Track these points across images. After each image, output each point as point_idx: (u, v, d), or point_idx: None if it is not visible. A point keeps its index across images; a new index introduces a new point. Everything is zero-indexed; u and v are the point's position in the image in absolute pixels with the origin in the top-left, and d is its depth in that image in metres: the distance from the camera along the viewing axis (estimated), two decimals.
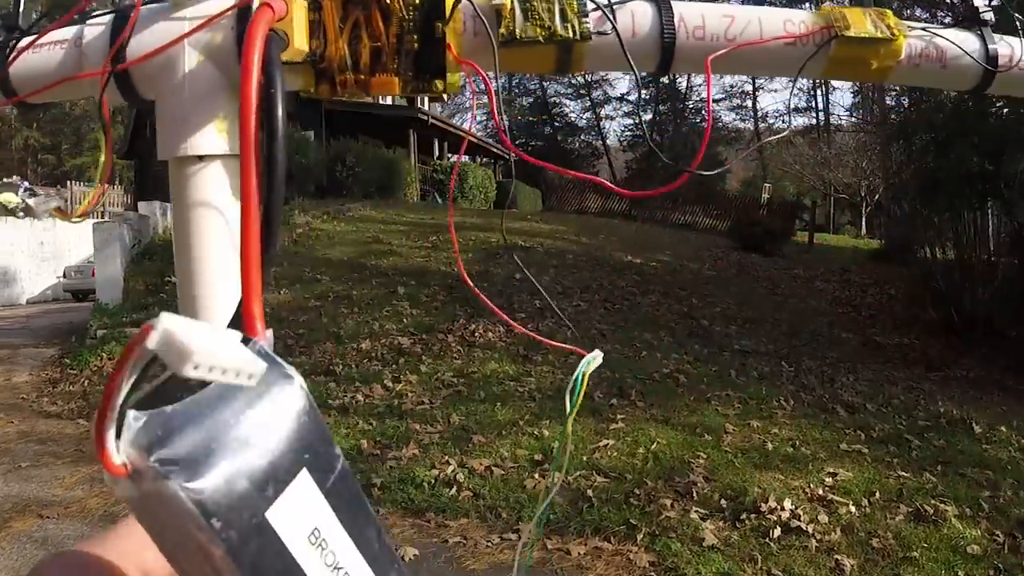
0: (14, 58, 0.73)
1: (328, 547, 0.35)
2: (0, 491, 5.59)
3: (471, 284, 0.98)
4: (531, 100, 54.71)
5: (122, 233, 12.74)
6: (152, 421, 0.31)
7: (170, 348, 0.30)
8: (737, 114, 53.10)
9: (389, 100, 26.74)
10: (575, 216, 23.97)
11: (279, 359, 0.37)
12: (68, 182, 23.45)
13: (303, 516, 0.34)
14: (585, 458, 5.54)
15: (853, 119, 44.74)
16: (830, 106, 49.44)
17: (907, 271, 14.21)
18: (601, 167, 51.92)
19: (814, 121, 49.50)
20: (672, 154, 47.75)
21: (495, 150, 32.78)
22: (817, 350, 10.02)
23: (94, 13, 0.73)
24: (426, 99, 29.89)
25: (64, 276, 19.15)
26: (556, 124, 54.16)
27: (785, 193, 37.72)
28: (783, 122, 50.84)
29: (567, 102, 54.78)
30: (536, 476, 5.27)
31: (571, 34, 0.69)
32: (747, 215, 21.58)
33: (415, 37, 0.66)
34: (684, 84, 51.96)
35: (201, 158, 0.65)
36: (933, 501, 5.06)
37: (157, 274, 11.91)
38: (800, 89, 51.05)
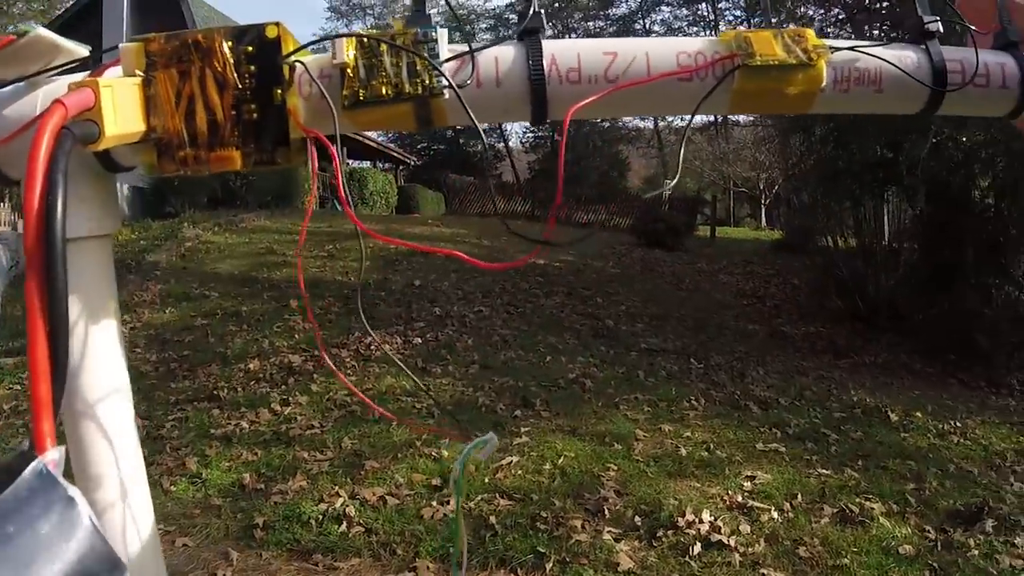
0: None
1: None
2: None
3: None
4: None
5: None
6: None
7: None
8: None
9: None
10: (477, 219, 23.77)
11: (62, 481, 0.35)
12: None
13: None
14: (487, 479, 5.16)
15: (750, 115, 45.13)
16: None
17: (810, 261, 14.19)
18: (504, 169, 51.89)
19: (712, 118, 49.90)
20: (575, 153, 47.91)
21: (396, 154, 32.58)
22: (725, 344, 9.82)
23: None
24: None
25: None
26: (458, 128, 53.52)
27: (686, 189, 38.05)
28: (682, 120, 51.11)
29: None
30: (434, 504, 4.83)
31: (419, 90, 0.64)
32: (648, 212, 21.54)
33: (253, 107, 0.61)
34: None
35: (68, 241, 0.54)
36: (858, 499, 4.81)
37: None
38: None
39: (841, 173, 11.91)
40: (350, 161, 29.80)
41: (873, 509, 4.66)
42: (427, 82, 0.64)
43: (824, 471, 5.28)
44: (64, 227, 0.44)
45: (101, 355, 0.64)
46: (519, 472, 5.25)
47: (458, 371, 7.55)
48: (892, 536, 4.37)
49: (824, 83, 0.67)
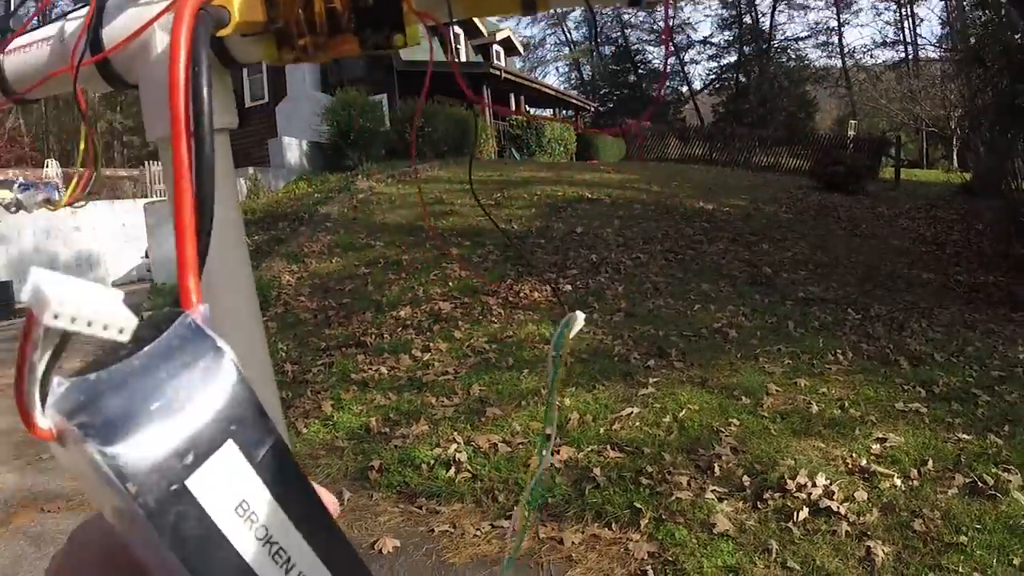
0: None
1: (259, 520, 0.35)
2: (15, 483, 5.37)
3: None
4: (613, 49, 53.95)
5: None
6: (75, 387, 0.32)
7: (35, 299, 0.31)
8: (824, 51, 51.48)
9: (463, 57, 26.64)
10: (654, 164, 23.48)
11: (211, 332, 0.36)
12: (147, 162, 23.49)
13: (229, 487, 0.34)
14: (602, 430, 5.07)
15: (941, 49, 43.06)
16: (918, 38, 47.67)
17: (994, 205, 13.38)
18: (688, 112, 51.32)
19: (902, 55, 47.93)
20: (760, 95, 47.02)
21: (575, 102, 32.58)
22: (892, 294, 9.37)
23: (75, 7, 0.74)
24: (502, 53, 29.80)
25: (146, 256, 19.11)
26: (640, 71, 53.24)
27: (876, 130, 36.72)
28: (871, 57, 49.46)
29: (650, 48, 53.77)
30: (544, 452, 4.77)
31: None
32: (828, 154, 20.81)
33: None
34: (767, 23, 50.70)
35: None
36: (995, 469, 4.47)
37: None
38: (887, 23, 49.57)
39: (1018, 109, 11.22)
40: (529, 108, 29.93)
41: (1010, 482, 4.32)
42: None
43: (965, 436, 4.94)
44: (211, 97, 0.46)
45: (227, 248, 0.66)
46: (637, 424, 5.14)
47: (602, 319, 7.45)
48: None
49: None
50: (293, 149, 19.64)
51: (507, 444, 5.00)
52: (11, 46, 0.77)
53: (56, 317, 0.31)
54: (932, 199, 17.99)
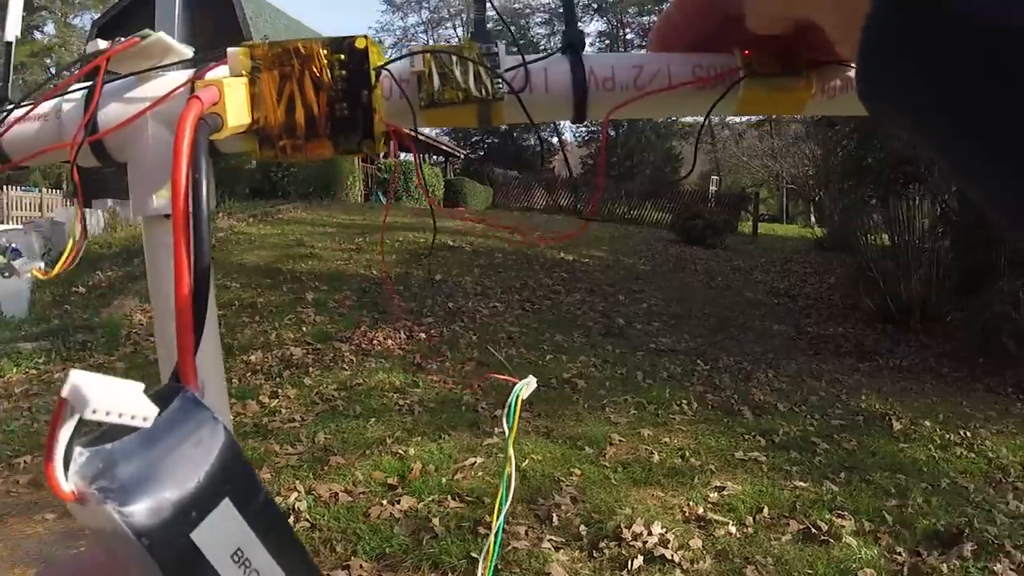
0: (5, 130, 0.81)
1: (251, 565, 0.40)
2: None
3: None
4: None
5: (30, 241, 12.07)
6: (94, 456, 0.36)
7: (74, 397, 0.34)
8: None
9: None
10: (519, 213, 23.63)
11: (207, 405, 0.41)
12: (4, 187, 22.88)
13: (226, 538, 0.39)
14: (444, 480, 4.99)
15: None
16: None
17: (845, 259, 13.80)
18: (558, 163, 51.77)
19: (765, 116, 49.20)
20: (627, 149, 47.69)
21: (446, 148, 32.68)
22: (742, 345, 9.56)
23: (70, 89, 0.79)
24: None
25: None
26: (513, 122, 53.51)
27: (740, 186, 37.66)
28: (736, 117, 50.71)
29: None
30: (384, 503, 4.71)
31: (484, 94, 0.72)
32: (688, 208, 21.25)
33: (344, 105, 0.70)
34: None
35: (167, 216, 0.71)
36: (829, 515, 4.56)
37: (66, 284, 11.29)
38: None
39: (865, 168, 11.60)
40: (400, 154, 29.80)
41: (843, 527, 4.40)
42: (489, 88, 0.72)
43: (801, 483, 5.03)
44: (209, 196, 0.49)
45: (207, 325, 0.60)
46: (479, 474, 5.08)
47: (453, 368, 7.40)
48: (856, 558, 4.11)
49: (813, 91, 0.73)
50: None
51: (348, 493, 4.87)
52: (9, 119, 0.81)
53: (94, 412, 0.35)
54: (788, 253, 18.43)
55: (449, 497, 4.77)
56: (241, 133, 0.68)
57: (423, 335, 8.55)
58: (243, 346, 8.30)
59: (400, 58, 0.74)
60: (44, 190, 25.57)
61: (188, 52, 0.76)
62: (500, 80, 0.72)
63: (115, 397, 0.36)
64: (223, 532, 0.39)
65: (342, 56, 0.70)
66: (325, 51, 0.70)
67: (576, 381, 7.07)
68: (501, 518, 0.86)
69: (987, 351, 9.60)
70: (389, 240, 13.87)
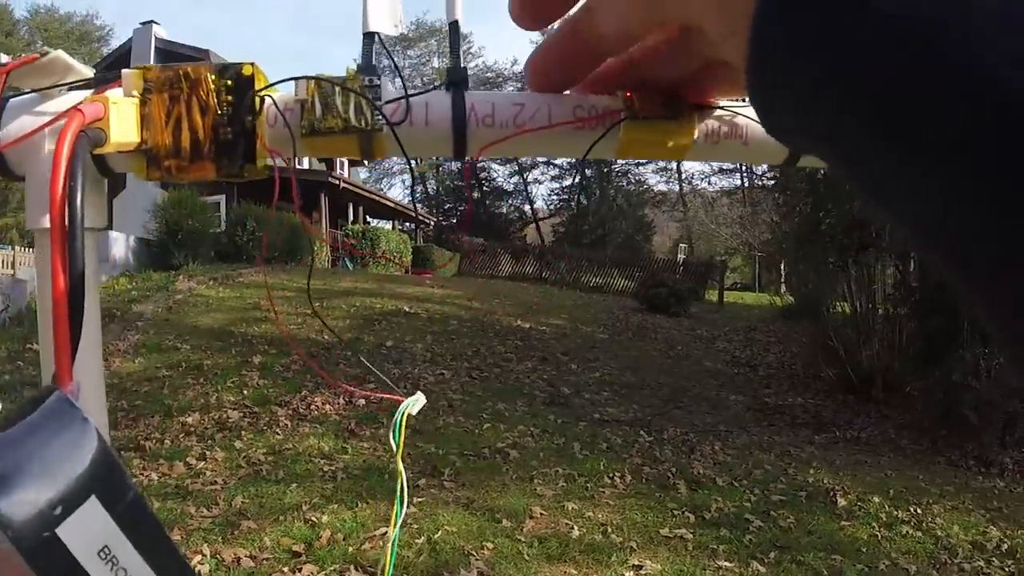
0: None
1: (119, 563, 0.41)
2: None
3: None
4: (459, 165, 54.38)
5: None
6: None
7: None
8: (663, 175, 53.04)
9: (305, 164, 26.67)
10: (484, 280, 23.49)
11: (78, 406, 0.42)
12: None
13: (92, 534, 0.40)
14: (351, 549, 4.74)
15: (769, 177, 45.07)
16: (754, 167, 49.68)
17: (810, 328, 13.61)
18: (529, 231, 51.99)
19: (738, 182, 49.72)
20: (599, 217, 47.99)
21: (414, 215, 32.86)
22: (693, 416, 9.28)
23: None
24: (346, 163, 29.90)
25: None
26: (484, 188, 53.89)
27: (714, 254, 37.77)
28: (708, 184, 51.24)
29: (495, 166, 54.52)
30: (286, 570, 4.51)
31: (364, 126, 0.72)
32: (654, 276, 21.15)
33: (229, 129, 0.70)
34: None
35: None
36: None
37: (21, 340, 11.26)
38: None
39: (819, 234, 11.51)
40: (369, 219, 30.12)
41: None
42: (370, 120, 0.72)
43: (726, 563, 4.73)
44: (83, 208, 0.50)
45: (87, 332, 0.57)
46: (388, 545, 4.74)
47: (387, 435, 7.07)
48: None
49: (696, 136, 0.73)
50: (119, 244, 19.42)
51: (252, 559, 4.68)
52: None
53: None
54: (753, 322, 18.31)
55: (352, 567, 4.55)
56: (131, 152, 0.70)
57: (362, 401, 8.28)
58: (182, 407, 8.16)
59: (282, 81, 0.75)
60: (18, 248, 25.28)
61: (89, 72, 0.75)
62: (379, 114, 0.73)
63: None
64: (89, 529, 0.39)
65: (229, 82, 0.71)
66: (213, 76, 0.71)
67: (509, 451, 6.78)
68: (396, 530, 0.80)
69: (948, 422, 9.42)
70: (345, 305, 13.76)
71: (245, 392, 8.56)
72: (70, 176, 0.51)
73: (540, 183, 62.84)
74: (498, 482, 6.00)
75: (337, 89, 0.72)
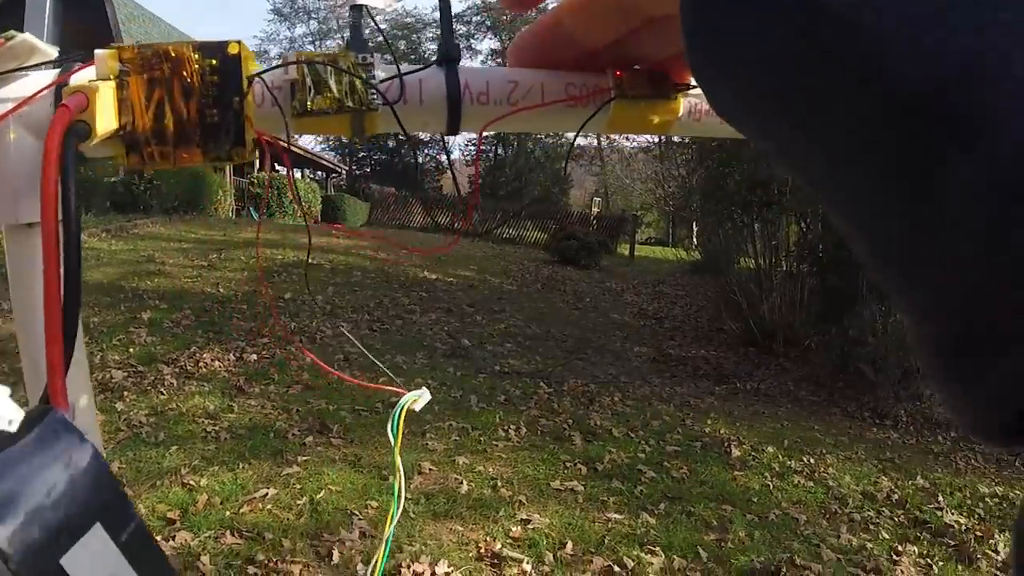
0: None
1: None
2: None
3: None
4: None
5: None
6: None
7: None
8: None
9: None
10: (394, 230, 23.27)
11: (77, 427, 0.40)
12: None
13: (97, 565, 0.37)
14: (228, 513, 4.54)
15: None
16: None
17: (716, 282, 13.73)
18: (445, 182, 51.69)
19: (656, 139, 49.89)
20: (515, 169, 47.79)
21: (327, 163, 32.40)
22: (596, 367, 9.24)
23: None
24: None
25: None
26: (400, 138, 53.21)
27: (630, 209, 37.97)
28: (626, 139, 51.31)
29: None
30: (159, 538, 4.21)
31: (357, 104, 0.71)
32: (564, 229, 21.15)
33: (215, 111, 0.67)
34: None
35: (30, 225, 0.69)
36: (637, 551, 4.22)
37: None
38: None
39: (725, 190, 11.57)
40: (279, 168, 29.53)
41: (651, 564, 4.07)
42: (363, 98, 0.70)
43: (616, 515, 4.69)
44: (78, 210, 0.49)
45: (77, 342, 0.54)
46: (268, 507, 4.63)
47: (277, 391, 6.93)
48: None
49: (680, 113, 0.76)
50: None
51: None
52: None
53: None
54: (663, 276, 18.41)
55: (228, 532, 4.33)
56: (107, 139, 0.64)
57: (254, 356, 8.07)
58: None
59: (274, 68, 0.71)
60: None
61: (53, 52, 0.71)
62: (374, 90, 0.72)
63: None
64: (94, 559, 0.37)
65: (214, 61, 0.67)
66: (197, 55, 0.67)
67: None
68: (391, 528, 0.82)
69: (845, 375, 9.60)
70: (244, 257, 13.37)
71: (131, 350, 8.19)
72: (63, 177, 0.50)
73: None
74: (388, 438, 5.88)
75: (329, 68, 0.71)
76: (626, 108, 0.73)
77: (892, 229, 0.28)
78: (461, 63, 0.76)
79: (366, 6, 0.77)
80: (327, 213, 26.87)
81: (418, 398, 0.79)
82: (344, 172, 37.04)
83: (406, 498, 4.79)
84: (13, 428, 0.37)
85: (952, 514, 5.55)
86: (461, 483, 5.01)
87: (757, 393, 9.22)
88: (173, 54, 0.65)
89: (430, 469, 5.25)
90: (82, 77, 0.65)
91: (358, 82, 0.70)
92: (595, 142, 50.95)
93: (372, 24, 0.79)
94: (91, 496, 0.37)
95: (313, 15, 56.84)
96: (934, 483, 6.24)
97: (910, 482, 6.15)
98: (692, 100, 0.76)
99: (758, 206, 11.61)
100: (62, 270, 0.46)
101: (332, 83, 0.70)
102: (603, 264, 19.26)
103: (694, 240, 33.31)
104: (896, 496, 5.79)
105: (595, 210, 31.22)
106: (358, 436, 5.87)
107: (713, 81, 0.36)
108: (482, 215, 26.80)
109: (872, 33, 0.26)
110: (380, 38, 0.83)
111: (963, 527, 5.32)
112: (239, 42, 0.67)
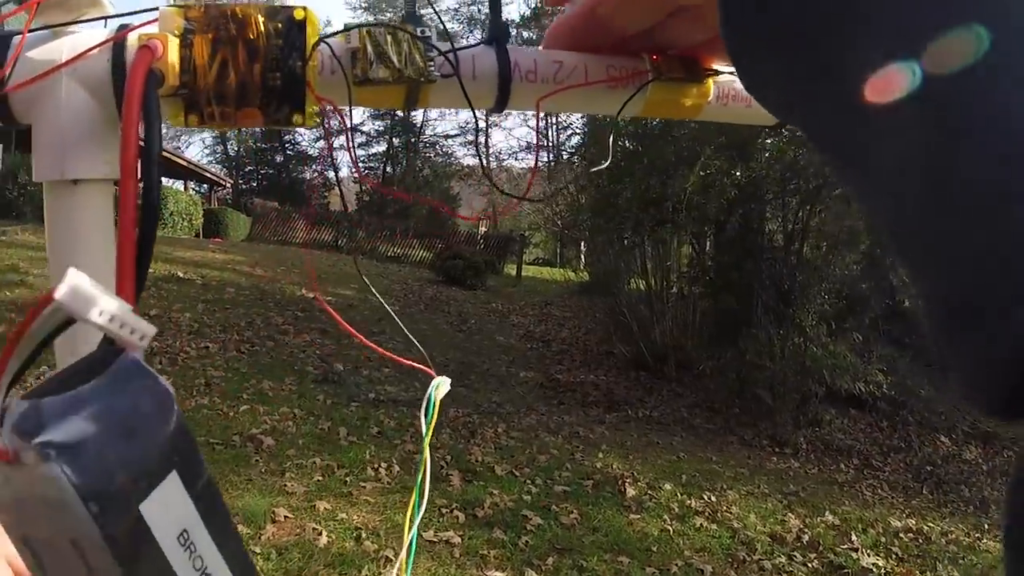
0: None
1: (196, 551, 0.37)
2: None
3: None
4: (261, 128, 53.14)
5: None
6: (35, 407, 0.32)
7: (77, 296, 0.32)
8: (469, 149, 52.89)
9: None
10: (275, 246, 22.54)
11: (153, 371, 0.38)
12: None
13: (173, 516, 0.36)
14: None
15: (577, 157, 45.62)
16: (560, 147, 50.04)
17: (604, 303, 13.35)
18: (332, 198, 51.15)
19: (545, 158, 50.04)
20: (404, 186, 47.58)
21: (211, 176, 31.96)
22: (479, 394, 8.70)
23: None
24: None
25: None
26: (288, 152, 52.48)
27: (519, 229, 37.89)
28: (516, 159, 51.43)
29: (300, 130, 53.03)
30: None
31: (418, 76, 0.70)
32: (448, 248, 20.86)
33: (278, 75, 0.66)
34: (419, 118, 51.47)
35: (76, 182, 0.65)
36: None
37: None
38: (531, 128, 51.95)
39: (617, 208, 11.28)
40: (162, 180, 28.96)
41: None
42: (422, 70, 0.70)
43: (497, 573, 4.07)
44: (160, 148, 0.48)
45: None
46: None
47: None
48: None
49: (710, 97, 0.78)
50: None
51: None
52: None
53: (100, 314, 0.33)
54: (550, 296, 18.12)
55: None
56: (167, 97, 0.63)
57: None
58: None
59: (337, 33, 0.71)
60: None
61: (111, 7, 0.68)
62: (432, 63, 0.71)
63: (117, 304, 0.34)
64: (171, 508, 0.35)
65: (279, 25, 0.67)
66: (263, 18, 0.67)
67: (263, 438, 5.95)
68: (415, 529, 0.72)
69: (742, 401, 9.42)
70: None
71: None
72: (147, 112, 0.48)
73: (344, 148, 62.37)
74: (244, 477, 5.18)
75: (389, 38, 0.70)
76: (663, 90, 0.75)
77: (915, 203, 0.29)
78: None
79: None
80: (209, 227, 26.02)
81: (442, 384, 0.72)
82: (229, 186, 36.21)
83: (255, 552, 4.12)
84: (145, 344, 0.35)
85: (868, 555, 5.17)
86: (320, 534, 4.35)
87: (650, 421, 8.82)
88: (240, 15, 0.64)
89: (286, 517, 4.57)
90: (146, 31, 0.63)
91: (417, 54, 0.70)
92: (483, 161, 50.93)
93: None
94: (168, 443, 0.35)
95: (390, 6, 55.40)
96: (844, 519, 5.87)
97: (819, 519, 5.75)
98: (721, 85, 0.77)
99: (650, 224, 11.22)
100: (140, 217, 0.44)
101: (392, 54, 0.69)
102: (489, 284, 18.91)
103: (583, 260, 33.37)
104: (807, 537, 5.36)
105: (482, 229, 30.98)
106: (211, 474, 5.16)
107: (747, 60, 0.37)
108: (366, 232, 26.32)
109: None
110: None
111: (882, 571, 4.92)
112: (305, 8, 0.67)
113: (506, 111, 0.77)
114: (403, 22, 0.72)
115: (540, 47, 0.77)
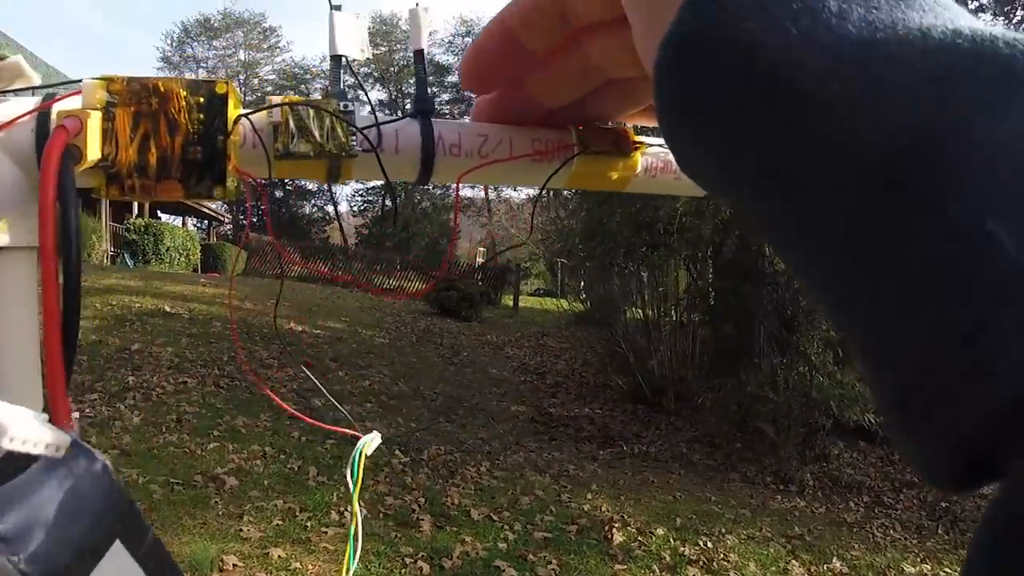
0: None
1: None
2: None
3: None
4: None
5: None
6: None
7: None
8: (468, 182, 53.20)
9: None
10: (270, 280, 22.33)
11: (86, 445, 0.39)
12: None
13: None
14: None
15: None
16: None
17: (601, 334, 13.05)
18: (332, 233, 51.18)
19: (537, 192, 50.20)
20: (403, 219, 47.59)
21: (209, 212, 32.08)
22: (465, 430, 8.38)
23: None
24: None
25: None
26: (287, 187, 52.67)
27: (517, 260, 37.83)
28: (515, 189, 51.51)
29: None
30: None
31: (339, 151, 0.71)
32: (444, 279, 20.73)
33: (199, 148, 0.67)
34: None
35: (4, 249, 0.64)
36: None
37: None
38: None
39: (603, 233, 10.94)
40: (161, 215, 29.06)
41: None
42: (344, 143, 0.71)
43: None
44: (79, 228, 0.49)
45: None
46: None
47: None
48: None
49: (638, 170, 0.78)
50: None
51: None
52: None
53: (12, 440, 0.33)
54: (547, 327, 17.93)
55: None
56: (89, 169, 0.64)
57: (76, 414, 6.94)
58: None
59: (260, 109, 0.71)
60: None
61: (38, 79, 0.72)
62: (355, 137, 0.72)
63: (28, 425, 0.34)
64: (117, 575, 0.37)
65: (201, 99, 0.68)
66: (185, 92, 0.67)
67: (227, 478, 5.62)
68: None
69: (744, 436, 9.03)
70: (99, 304, 12.31)
71: None
72: (63, 197, 0.48)
73: (345, 184, 62.97)
74: (198, 520, 4.84)
75: (311, 113, 0.70)
76: (588, 163, 0.75)
77: (856, 288, 0.29)
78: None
79: (344, 56, 0.77)
80: (206, 262, 26.21)
81: (370, 442, 0.77)
82: (225, 221, 36.31)
83: None
84: (60, 454, 0.35)
85: None
86: None
87: (646, 457, 8.48)
88: (162, 88, 0.65)
89: (235, 565, 4.24)
90: (66, 105, 0.63)
91: (340, 129, 0.70)
92: (482, 193, 51.17)
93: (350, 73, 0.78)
94: (108, 513, 0.36)
95: (202, 64, 56.43)
96: (852, 566, 5.53)
97: (826, 567, 5.41)
98: (648, 158, 0.77)
99: (643, 248, 10.92)
100: (61, 293, 0.44)
101: (314, 128, 0.69)
102: (485, 316, 18.72)
103: (581, 290, 33.19)
104: None
105: (479, 260, 31.00)
106: (163, 518, 4.88)
107: (679, 135, 0.36)
108: (363, 265, 26.22)
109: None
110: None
111: None
112: (227, 81, 0.67)
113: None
114: (328, 95, 0.71)
115: (467, 118, 0.77)
